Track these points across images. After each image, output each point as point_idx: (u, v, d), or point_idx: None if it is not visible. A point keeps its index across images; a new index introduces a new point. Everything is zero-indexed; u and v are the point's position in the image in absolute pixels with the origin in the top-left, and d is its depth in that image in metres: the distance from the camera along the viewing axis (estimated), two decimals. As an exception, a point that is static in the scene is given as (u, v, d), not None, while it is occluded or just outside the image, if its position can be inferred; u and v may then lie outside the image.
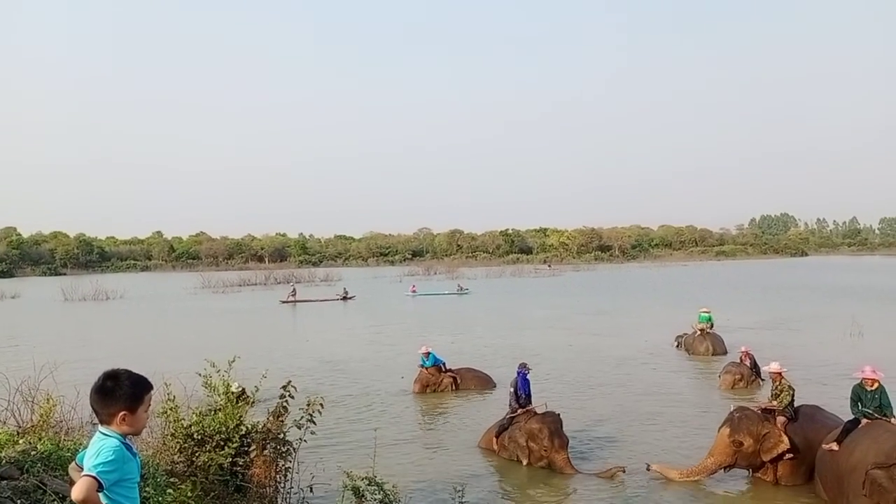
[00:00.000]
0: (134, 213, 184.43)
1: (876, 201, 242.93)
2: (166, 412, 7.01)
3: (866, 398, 8.54)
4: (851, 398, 8.69)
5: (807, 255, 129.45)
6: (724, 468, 9.27)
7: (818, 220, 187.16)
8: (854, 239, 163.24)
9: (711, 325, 21.14)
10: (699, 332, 20.39)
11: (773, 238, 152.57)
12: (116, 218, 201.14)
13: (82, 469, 2.86)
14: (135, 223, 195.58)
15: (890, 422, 8.30)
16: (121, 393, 2.96)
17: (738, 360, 16.07)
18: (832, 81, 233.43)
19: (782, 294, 42.35)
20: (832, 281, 53.87)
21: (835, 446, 8.37)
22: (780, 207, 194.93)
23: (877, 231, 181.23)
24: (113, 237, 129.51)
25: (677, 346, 21.01)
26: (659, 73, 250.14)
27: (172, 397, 7.16)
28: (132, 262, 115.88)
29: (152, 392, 3.14)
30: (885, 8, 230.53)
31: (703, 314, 21.39)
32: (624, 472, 9.44)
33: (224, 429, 6.80)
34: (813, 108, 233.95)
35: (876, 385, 8.56)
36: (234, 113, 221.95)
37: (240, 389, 7.33)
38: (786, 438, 9.05)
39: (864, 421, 8.44)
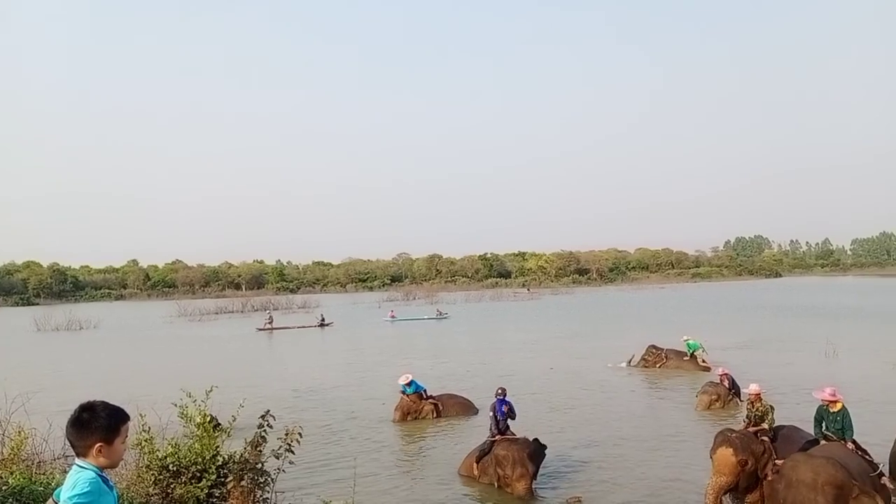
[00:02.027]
0: (109, 241, 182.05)
1: (848, 223, 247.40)
2: (141, 443, 6.92)
3: (829, 419, 8.74)
4: (815, 418, 8.90)
5: (781, 276, 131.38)
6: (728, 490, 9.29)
7: (791, 241, 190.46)
8: (827, 260, 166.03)
9: (692, 354, 21.51)
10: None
11: (747, 260, 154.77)
12: (91, 246, 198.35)
13: None
14: (109, 251, 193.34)
15: (845, 445, 8.49)
16: (97, 425, 2.94)
17: (717, 381, 16.22)
18: (804, 107, 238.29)
19: (758, 315, 42.80)
20: (806, 301, 54.64)
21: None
22: (754, 230, 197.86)
23: (849, 252, 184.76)
24: (87, 266, 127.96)
25: (628, 364, 21.66)
26: (627, 100, 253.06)
27: (147, 428, 7.07)
28: (107, 291, 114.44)
29: (129, 423, 3.11)
30: (850, 34, 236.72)
31: (689, 343, 21.71)
32: (580, 501, 9.46)
33: (200, 460, 6.73)
34: (785, 133, 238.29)
35: (839, 407, 8.75)
36: (211, 140, 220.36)
37: (209, 418, 7.24)
38: (776, 458, 9.16)
39: (822, 442, 8.63)
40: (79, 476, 2.86)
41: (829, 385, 9.11)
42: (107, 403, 3.04)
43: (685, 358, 21.23)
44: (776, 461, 9.03)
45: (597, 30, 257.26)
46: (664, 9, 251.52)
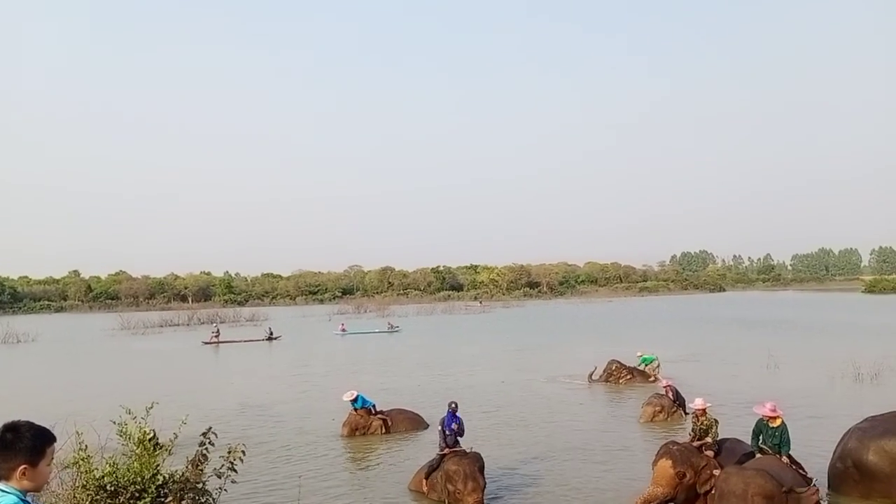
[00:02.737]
0: (49, 251, 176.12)
1: (788, 239, 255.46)
2: (77, 462, 6.66)
3: (767, 434, 8.94)
4: (753, 431, 9.09)
5: (724, 290, 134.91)
6: (666, 501, 9.40)
7: (735, 256, 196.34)
8: (768, 275, 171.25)
9: (643, 365, 21.87)
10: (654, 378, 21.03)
11: (692, 274, 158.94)
12: (30, 256, 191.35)
13: None
14: (50, 262, 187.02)
15: (781, 459, 8.71)
16: (21, 446, 2.80)
17: (662, 393, 16.48)
18: (748, 130, 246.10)
19: (703, 328, 43.79)
20: (749, 315, 56.18)
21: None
22: (699, 245, 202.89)
23: (789, 267, 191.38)
24: (26, 276, 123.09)
25: (603, 377, 21.53)
26: (579, 112, 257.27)
27: (84, 446, 6.81)
28: (46, 302, 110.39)
29: (55, 445, 2.97)
30: (786, 49, 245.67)
31: (644, 357, 22.08)
32: None
33: (139, 479, 6.53)
34: (728, 150, 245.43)
35: (778, 422, 8.96)
36: (155, 148, 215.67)
37: (150, 434, 7.03)
38: (719, 471, 9.30)
39: (758, 455, 8.83)
40: (1, 501, 2.72)
41: (769, 400, 9.32)
42: (32, 423, 2.90)
43: (650, 378, 21.36)
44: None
45: (518, 58, 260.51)
46: (584, 41, 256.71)
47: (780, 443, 8.85)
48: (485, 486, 9.98)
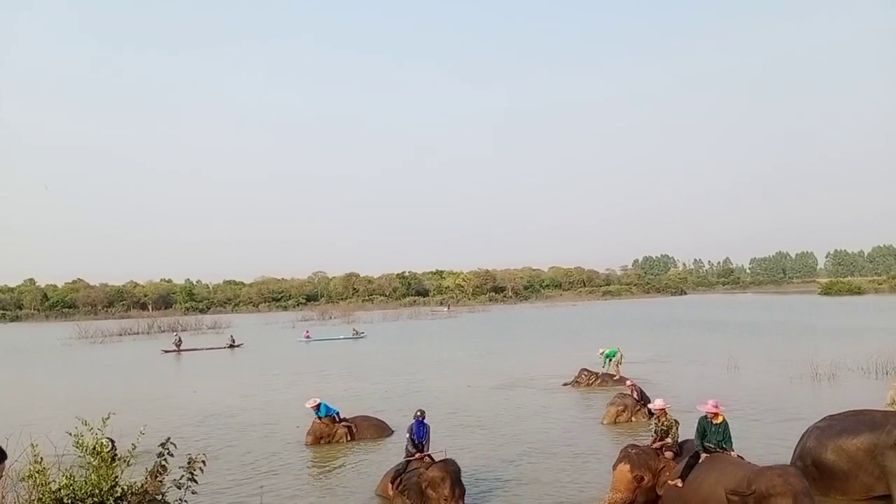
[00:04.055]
0: (3, 258, 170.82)
1: (747, 243, 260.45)
2: (33, 475, 6.45)
3: (711, 431, 9.05)
4: (697, 430, 9.18)
5: (685, 293, 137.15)
6: None
7: (695, 260, 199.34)
8: (728, 278, 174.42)
9: (608, 361, 22.21)
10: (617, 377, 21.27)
11: (654, 278, 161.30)
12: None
13: None
14: (4, 270, 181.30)
15: (730, 454, 8.84)
16: None
17: (626, 393, 16.65)
18: (706, 130, 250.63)
19: (665, 330, 44.40)
20: (710, 317, 57.19)
21: (680, 483, 8.77)
22: (660, 249, 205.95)
23: (748, 270, 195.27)
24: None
25: (573, 384, 21.63)
26: (542, 119, 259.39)
27: (40, 459, 6.60)
28: (0, 312, 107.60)
29: (6, 462, 2.85)
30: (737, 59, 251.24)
31: (606, 353, 22.43)
32: None
33: (97, 491, 6.34)
34: (686, 158, 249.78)
35: (720, 419, 9.09)
36: (111, 149, 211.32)
37: (109, 446, 6.85)
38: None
39: (703, 455, 8.93)
40: None
41: (711, 398, 9.46)
42: None
43: (615, 378, 21.55)
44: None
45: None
46: (513, 54, 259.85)
47: (724, 439, 8.99)
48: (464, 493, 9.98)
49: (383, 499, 10.69)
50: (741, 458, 8.91)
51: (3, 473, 2.85)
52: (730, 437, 9.02)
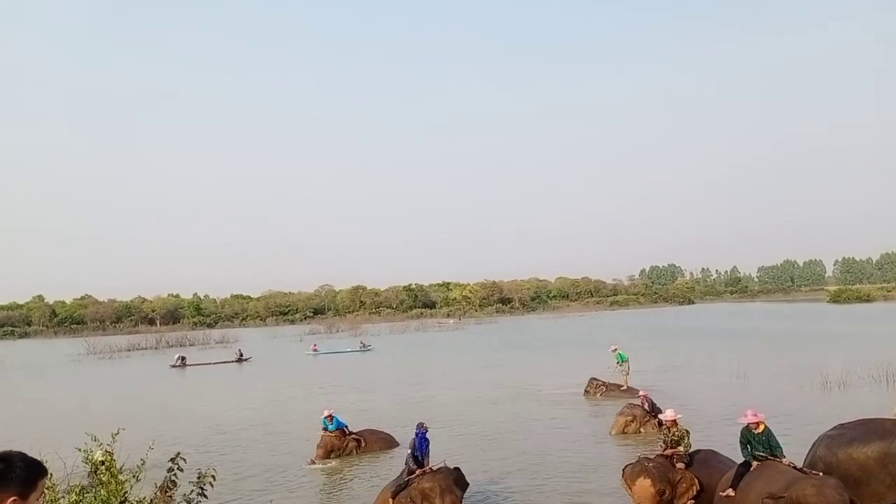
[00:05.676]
0: (11, 275, 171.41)
1: (754, 252, 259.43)
2: (42, 491, 6.46)
3: (755, 441, 8.88)
4: (741, 441, 9.00)
5: (693, 302, 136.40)
6: None
7: (702, 269, 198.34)
8: (735, 287, 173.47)
9: (619, 363, 22.21)
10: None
11: (661, 288, 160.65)
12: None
13: None
14: (12, 286, 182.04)
15: (781, 461, 8.66)
16: (13, 476, 2.68)
17: (637, 403, 16.55)
18: (710, 138, 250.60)
19: (673, 340, 44.16)
20: (718, 326, 56.87)
21: (731, 492, 8.61)
22: (667, 259, 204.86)
23: (756, 279, 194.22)
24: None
25: (593, 394, 21.58)
26: (546, 130, 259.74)
27: (50, 475, 6.60)
28: (10, 328, 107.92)
29: (47, 478, 2.85)
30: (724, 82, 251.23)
31: (620, 353, 22.49)
32: None
33: (107, 507, 6.34)
34: (693, 163, 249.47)
35: (762, 427, 8.92)
36: (118, 167, 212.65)
37: (107, 456, 6.85)
38: (696, 482, 9.32)
39: (755, 463, 8.76)
40: None
41: (748, 408, 9.32)
42: (25, 455, 2.79)
43: (622, 388, 21.49)
44: (697, 487, 9.23)
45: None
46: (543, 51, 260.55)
47: (771, 446, 8.79)
48: (461, 500, 9.90)
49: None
50: (793, 465, 8.73)
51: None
52: (778, 444, 8.82)
